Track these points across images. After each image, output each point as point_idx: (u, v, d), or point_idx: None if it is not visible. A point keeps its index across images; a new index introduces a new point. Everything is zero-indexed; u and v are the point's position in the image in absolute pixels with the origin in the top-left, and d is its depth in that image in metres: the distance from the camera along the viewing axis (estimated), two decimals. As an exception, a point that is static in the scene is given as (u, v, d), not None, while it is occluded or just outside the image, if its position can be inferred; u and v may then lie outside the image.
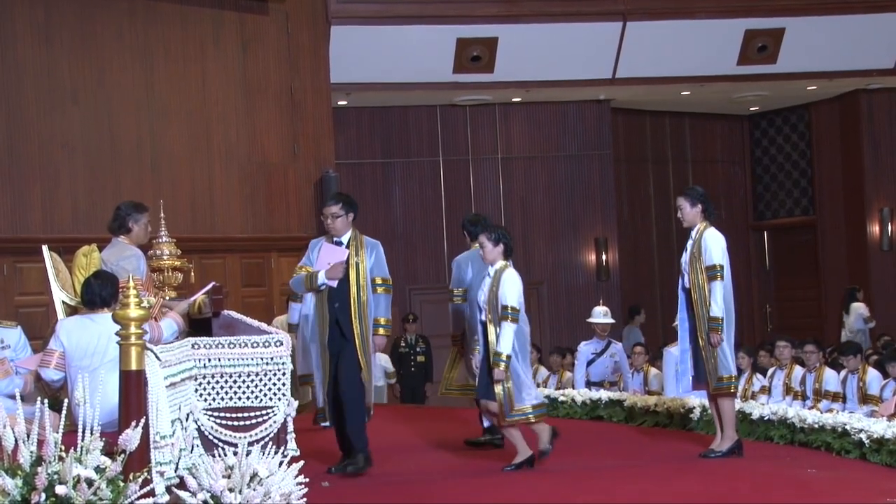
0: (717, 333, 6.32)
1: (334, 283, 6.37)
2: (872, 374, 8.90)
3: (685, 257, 6.49)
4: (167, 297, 6.31)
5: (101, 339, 5.12)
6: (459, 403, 8.93)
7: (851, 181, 15.31)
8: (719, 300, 6.34)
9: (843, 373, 9.07)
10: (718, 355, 6.37)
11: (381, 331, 6.52)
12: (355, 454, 6.41)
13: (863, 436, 6.30)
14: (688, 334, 6.53)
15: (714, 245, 6.40)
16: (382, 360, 11.15)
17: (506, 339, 6.19)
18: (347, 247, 6.47)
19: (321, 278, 6.35)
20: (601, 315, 10.18)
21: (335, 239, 6.52)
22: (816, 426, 6.80)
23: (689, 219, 6.53)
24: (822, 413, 7.20)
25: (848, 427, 6.48)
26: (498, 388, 6.23)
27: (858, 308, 13.78)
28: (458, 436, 7.86)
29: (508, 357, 6.20)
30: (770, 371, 9.67)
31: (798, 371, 9.31)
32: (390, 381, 11.58)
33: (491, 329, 6.27)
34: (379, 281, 6.50)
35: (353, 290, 6.38)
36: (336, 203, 6.55)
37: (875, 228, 15.07)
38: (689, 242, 6.49)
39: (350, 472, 6.35)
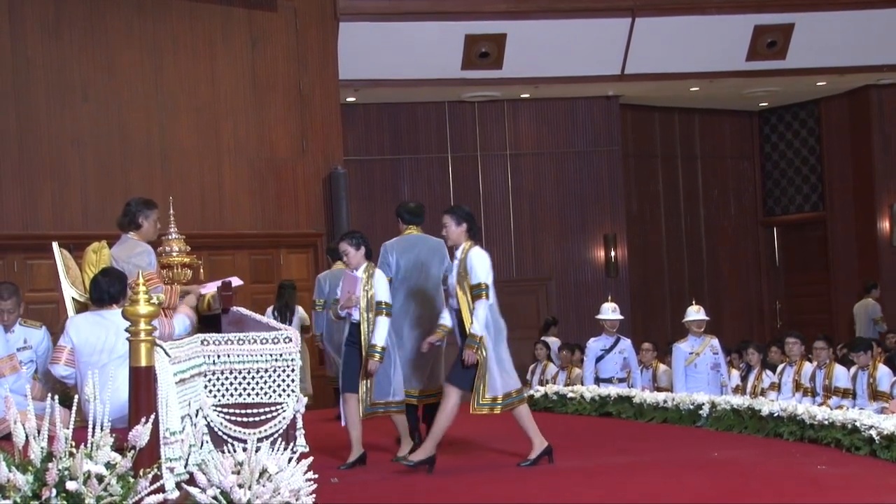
0: (471, 350, 6.20)
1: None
2: (883, 371, 8.88)
3: (452, 278, 6.38)
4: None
5: (109, 336, 5.13)
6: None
7: (861, 177, 15.27)
8: (482, 319, 6.23)
9: (853, 369, 9.04)
10: (486, 376, 6.23)
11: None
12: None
13: (873, 432, 6.28)
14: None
15: (479, 264, 6.29)
16: None
17: (381, 331, 6.60)
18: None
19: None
20: (610, 311, 10.17)
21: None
22: (826, 423, 6.78)
23: (453, 237, 6.45)
24: (831, 410, 7.18)
25: (858, 424, 6.46)
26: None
27: (868, 304, 13.71)
28: (466, 432, 7.86)
29: (384, 349, 6.61)
30: (780, 367, 9.65)
31: (808, 367, 9.29)
32: None
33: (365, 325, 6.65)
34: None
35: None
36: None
37: (885, 224, 15.02)
38: (455, 262, 6.39)
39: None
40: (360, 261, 6.78)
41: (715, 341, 9.79)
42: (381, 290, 6.71)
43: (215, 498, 4.37)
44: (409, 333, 7.20)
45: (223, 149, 11.69)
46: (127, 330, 4.33)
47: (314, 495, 4.59)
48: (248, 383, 5.35)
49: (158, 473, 4.22)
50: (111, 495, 3.89)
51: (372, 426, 7.10)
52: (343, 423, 6.94)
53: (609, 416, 8.88)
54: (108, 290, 5.34)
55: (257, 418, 5.32)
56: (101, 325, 5.19)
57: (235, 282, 6.82)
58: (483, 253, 6.38)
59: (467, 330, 6.25)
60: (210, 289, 6.34)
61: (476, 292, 6.26)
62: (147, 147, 11.20)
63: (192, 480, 4.49)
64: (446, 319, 6.51)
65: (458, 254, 6.41)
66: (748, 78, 14.22)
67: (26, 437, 3.94)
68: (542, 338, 13.10)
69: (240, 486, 4.38)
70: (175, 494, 4.46)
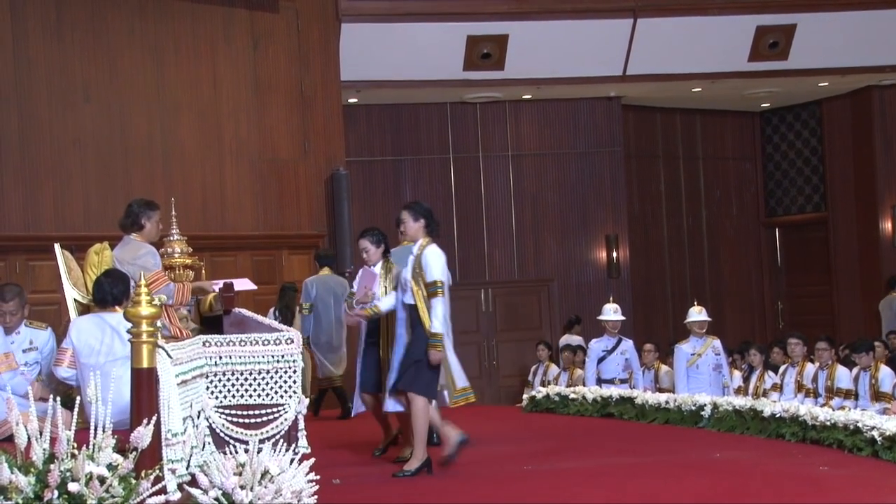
0: (437, 350, 6.17)
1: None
2: (885, 372, 8.89)
3: (407, 273, 6.37)
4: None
5: (106, 338, 5.14)
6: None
7: (863, 177, 15.26)
8: (440, 316, 6.21)
9: (855, 370, 9.05)
10: (451, 369, 6.28)
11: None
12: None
13: (875, 433, 6.28)
14: (403, 349, 6.37)
15: (434, 261, 6.28)
16: None
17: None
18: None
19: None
20: (612, 312, 10.18)
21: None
22: (828, 424, 6.78)
23: (411, 233, 6.46)
24: (833, 410, 7.18)
25: (860, 424, 6.46)
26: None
27: (892, 300, 13.61)
28: (469, 432, 7.86)
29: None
30: (782, 368, 9.66)
31: (810, 368, 9.30)
32: None
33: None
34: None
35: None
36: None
37: (887, 225, 15.01)
38: (411, 258, 6.39)
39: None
40: (378, 258, 6.89)
41: (717, 342, 9.80)
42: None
43: (217, 499, 4.37)
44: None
45: (225, 150, 11.69)
46: (129, 331, 4.33)
47: (316, 496, 4.59)
48: (250, 384, 5.35)
49: (160, 475, 4.22)
50: (113, 497, 3.89)
51: (371, 423, 7.11)
52: (353, 414, 7.01)
53: (611, 417, 8.88)
54: (111, 291, 5.35)
55: (259, 419, 5.32)
56: (100, 327, 5.20)
57: (248, 285, 6.82)
58: (439, 251, 6.37)
59: (425, 326, 6.22)
60: (221, 285, 6.38)
61: (432, 290, 6.24)
62: (149, 148, 11.21)
63: (193, 482, 4.49)
64: (385, 304, 6.52)
65: (415, 250, 6.40)
66: (750, 78, 14.21)
67: (28, 438, 3.94)
68: (566, 335, 13.13)
69: (242, 487, 4.38)
70: (177, 496, 4.46)
